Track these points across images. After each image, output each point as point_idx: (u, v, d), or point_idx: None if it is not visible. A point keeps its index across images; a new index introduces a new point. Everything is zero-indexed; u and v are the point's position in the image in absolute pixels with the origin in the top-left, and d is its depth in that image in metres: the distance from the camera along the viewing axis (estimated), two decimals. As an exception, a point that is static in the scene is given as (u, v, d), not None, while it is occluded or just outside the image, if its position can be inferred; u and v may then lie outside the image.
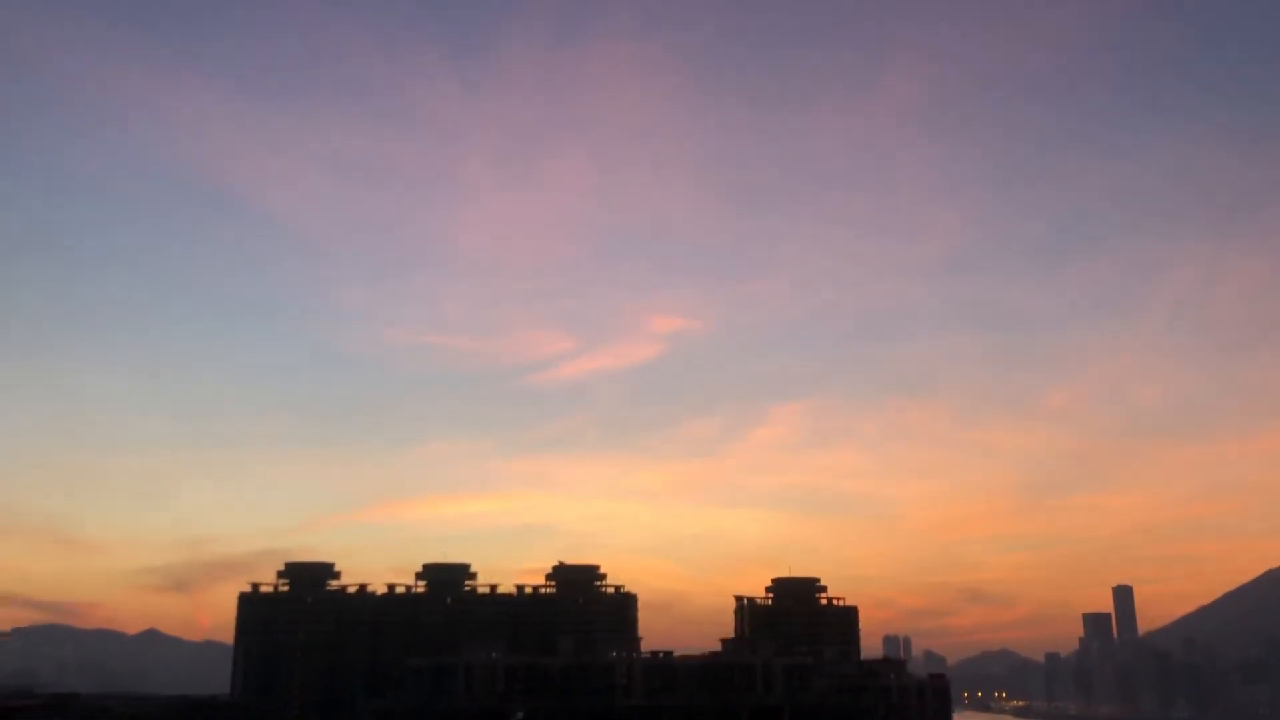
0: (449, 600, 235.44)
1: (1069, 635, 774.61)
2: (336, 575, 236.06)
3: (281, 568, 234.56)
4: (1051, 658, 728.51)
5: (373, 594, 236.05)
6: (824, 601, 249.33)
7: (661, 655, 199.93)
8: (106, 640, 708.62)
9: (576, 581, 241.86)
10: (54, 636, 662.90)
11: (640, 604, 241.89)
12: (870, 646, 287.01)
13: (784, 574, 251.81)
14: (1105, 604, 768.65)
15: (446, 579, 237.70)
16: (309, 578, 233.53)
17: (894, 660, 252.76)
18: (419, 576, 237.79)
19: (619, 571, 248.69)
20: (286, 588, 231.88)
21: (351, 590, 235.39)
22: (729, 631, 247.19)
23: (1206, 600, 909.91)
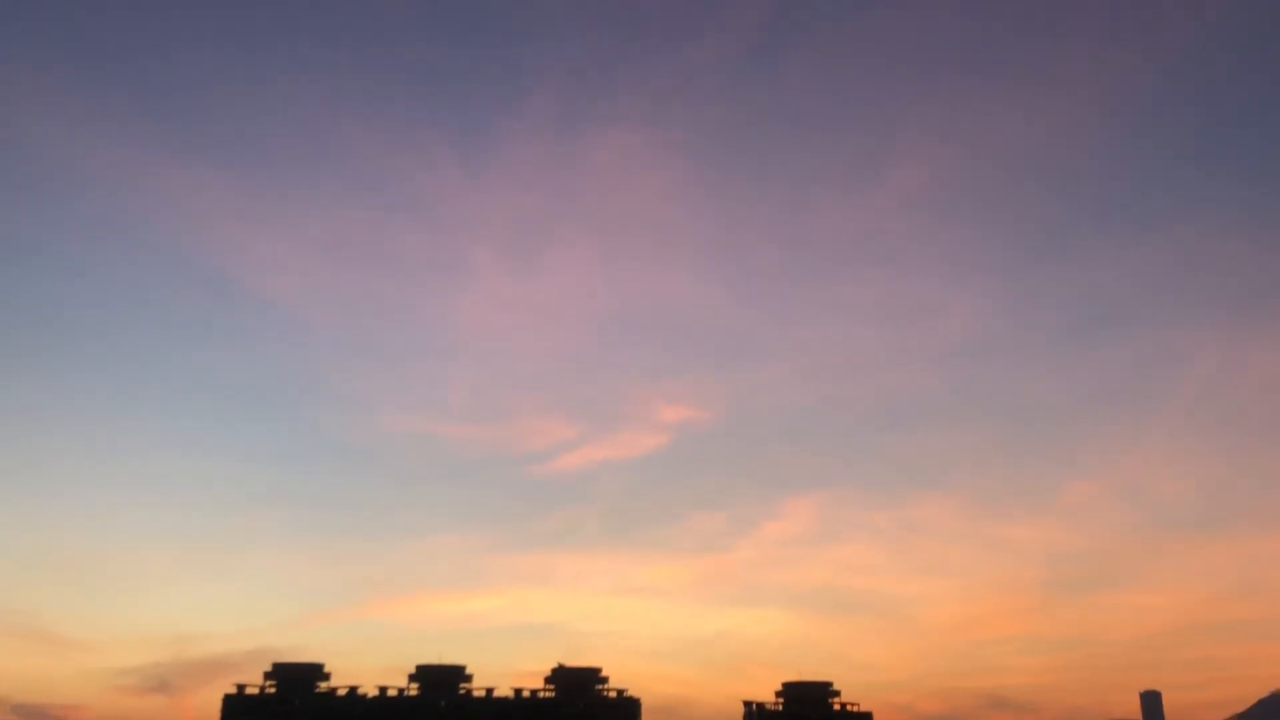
0: (443, 704, 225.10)
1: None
2: (326, 676, 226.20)
3: (269, 668, 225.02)
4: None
5: (363, 696, 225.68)
6: (837, 707, 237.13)
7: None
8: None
9: (577, 684, 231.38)
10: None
11: (644, 708, 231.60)
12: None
13: (795, 677, 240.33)
14: (1133, 709, 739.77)
15: (441, 680, 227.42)
16: (297, 679, 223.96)
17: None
18: (412, 678, 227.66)
19: (622, 673, 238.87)
20: (274, 689, 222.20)
21: (341, 692, 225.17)
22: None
23: (1240, 707, 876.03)
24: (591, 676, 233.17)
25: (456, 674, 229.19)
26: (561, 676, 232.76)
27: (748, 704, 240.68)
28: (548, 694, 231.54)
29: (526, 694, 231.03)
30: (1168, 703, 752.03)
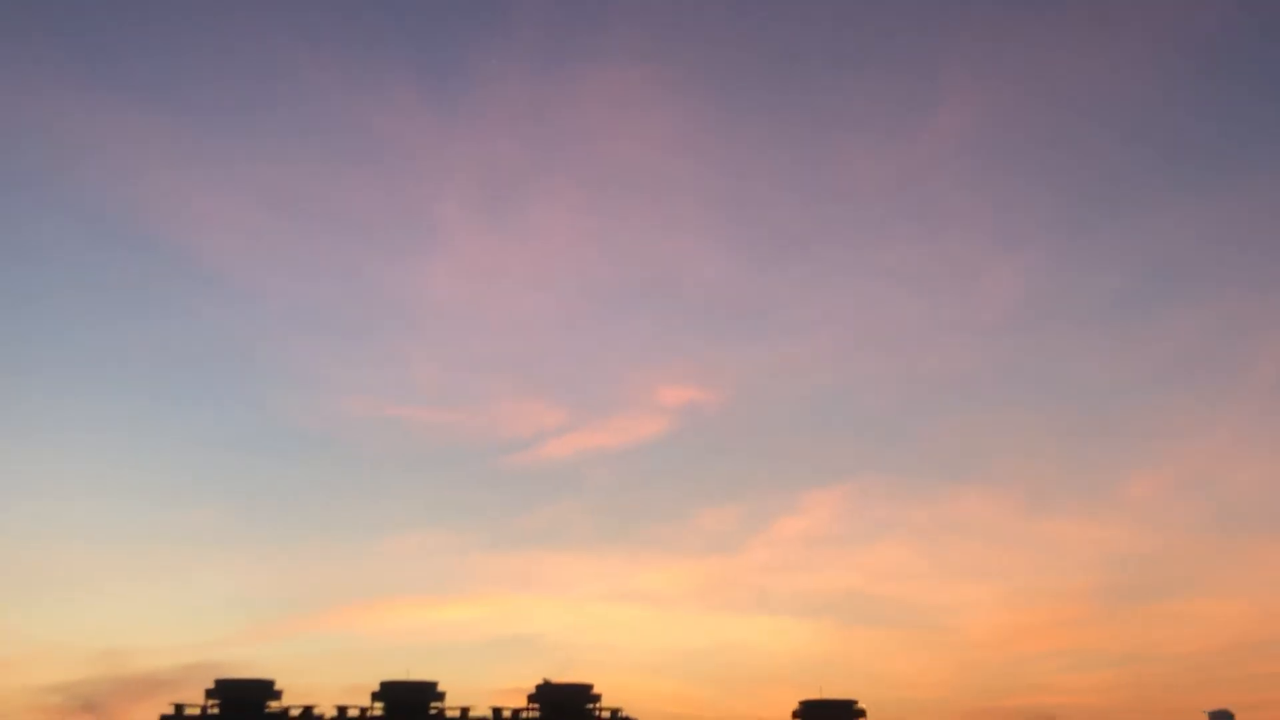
0: None
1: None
2: (277, 695, 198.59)
3: (211, 685, 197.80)
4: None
5: (320, 718, 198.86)
6: None
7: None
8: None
9: (565, 704, 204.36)
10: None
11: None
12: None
13: (815, 695, 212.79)
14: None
15: (409, 700, 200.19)
16: (244, 698, 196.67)
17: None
18: (376, 697, 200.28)
19: (617, 692, 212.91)
20: (216, 710, 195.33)
21: (295, 714, 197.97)
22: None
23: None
24: (582, 695, 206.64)
25: (427, 692, 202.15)
26: (547, 695, 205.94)
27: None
28: (531, 714, 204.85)
29: (507, 714, 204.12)
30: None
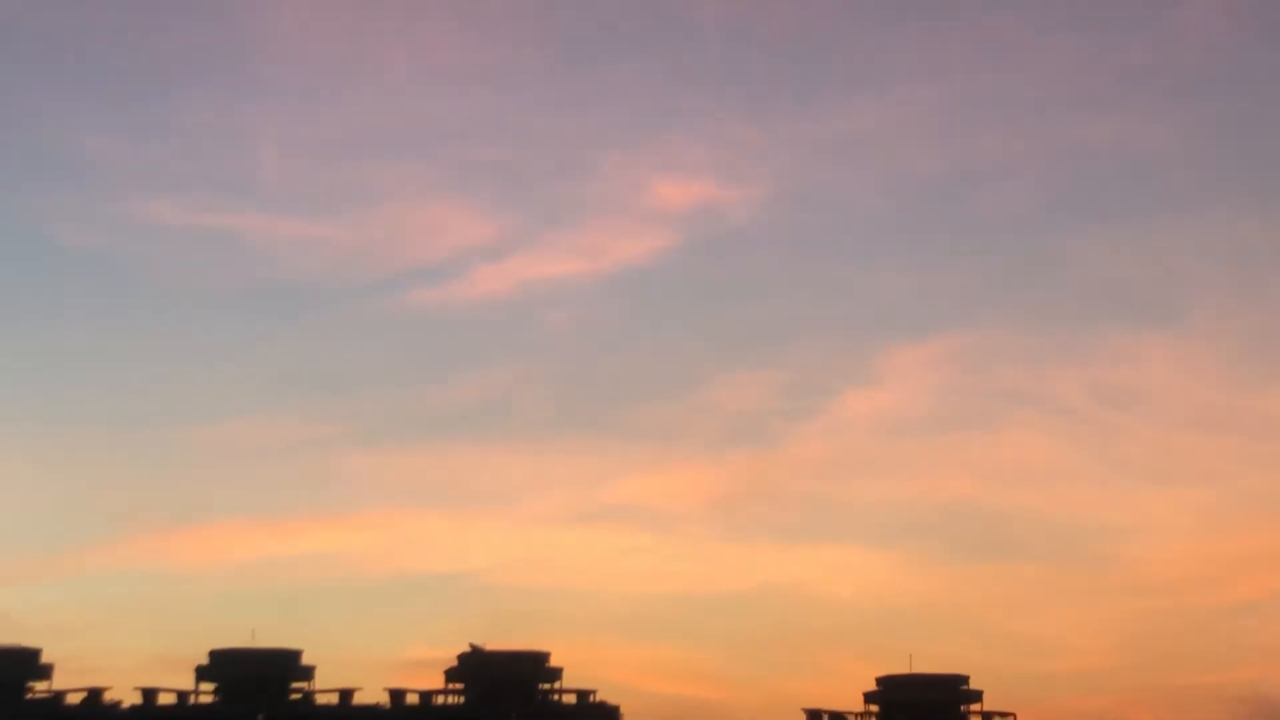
0: (260, 718, 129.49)
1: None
2: (46, 671, 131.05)
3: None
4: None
5: (116, 706, 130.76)
6: (977, 719, 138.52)
7: None
8: None
9: (505, 683, 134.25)
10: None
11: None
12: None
13: (900, 667, 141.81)
14: None
15: (256, 677, 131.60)
16: (1, 673, 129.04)
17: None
18: (204, 674, 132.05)
19: (586, 664, 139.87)
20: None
21: (75, 699, 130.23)
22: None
23: None
24: (531, 668, 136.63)
25: (283, 665, 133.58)
26: (476, 669, 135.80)
27: (813, 714, 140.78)
28: (452, 700, 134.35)
29: (413, 699, 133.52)
30: None
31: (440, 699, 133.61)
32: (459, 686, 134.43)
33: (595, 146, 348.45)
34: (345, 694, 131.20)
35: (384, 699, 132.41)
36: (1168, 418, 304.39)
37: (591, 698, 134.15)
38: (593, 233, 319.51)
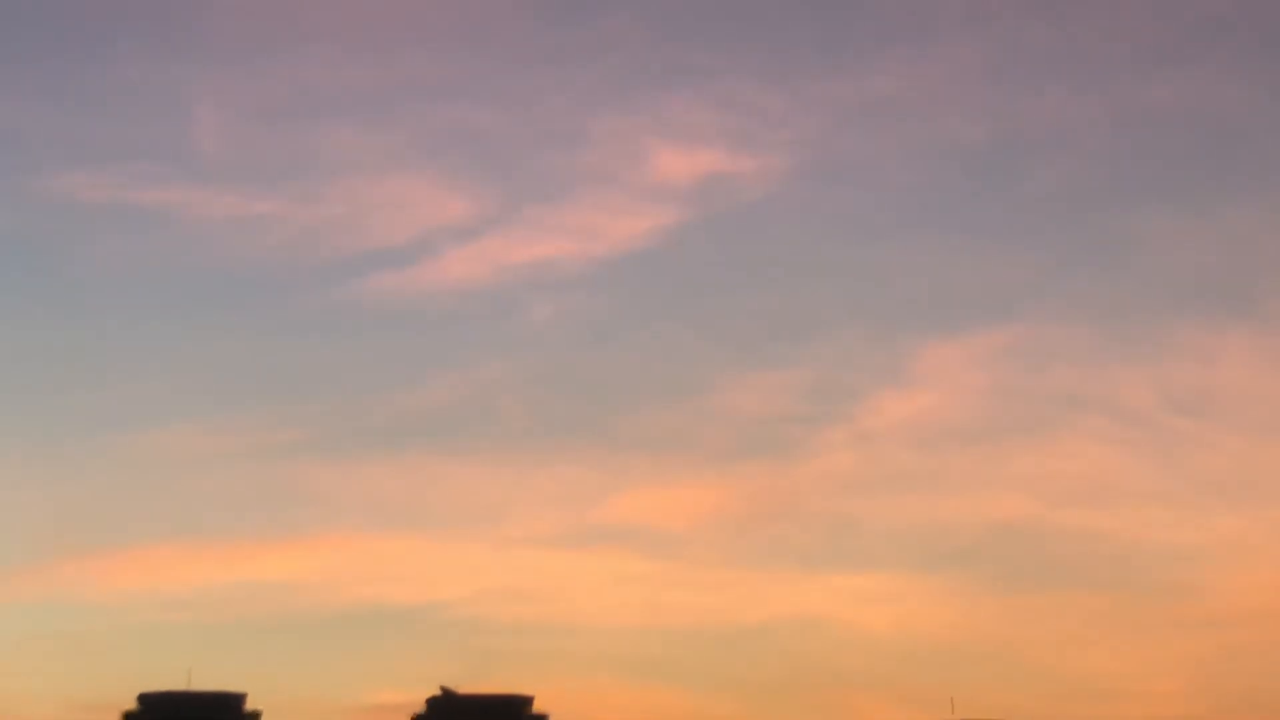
0: None
1: None
2: None
3: None
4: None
5: None
6: None
7: None
8: None
9: None
10: None
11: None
12: None
13: (941, 715, 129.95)
14: None
15: None
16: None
17: None
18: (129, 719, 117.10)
19: (577, 708, 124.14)
20: None
21: None
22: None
23: None
24: (512, 713, 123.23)
25: (225, 711, 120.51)
26: (449, 714, 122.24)
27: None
28: None
29: None
30: None
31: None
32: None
33: (584, 110, 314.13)
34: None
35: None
36: (1248, 425, 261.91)
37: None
38: (582, 210, 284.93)
